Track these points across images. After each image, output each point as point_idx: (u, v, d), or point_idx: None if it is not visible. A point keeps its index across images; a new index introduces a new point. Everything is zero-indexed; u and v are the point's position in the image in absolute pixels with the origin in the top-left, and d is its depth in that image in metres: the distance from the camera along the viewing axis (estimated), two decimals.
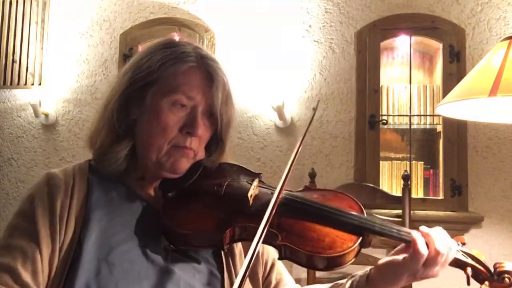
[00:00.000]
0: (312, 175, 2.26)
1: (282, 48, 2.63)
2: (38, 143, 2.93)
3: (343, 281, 0.89)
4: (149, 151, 0.86)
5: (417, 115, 2.56)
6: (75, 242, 0.79)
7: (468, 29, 2.48)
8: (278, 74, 2.60)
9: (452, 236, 0.84)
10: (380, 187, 2.41)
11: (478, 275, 0.82)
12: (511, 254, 2.26)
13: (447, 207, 2.36)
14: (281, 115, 2.56)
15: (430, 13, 2.52)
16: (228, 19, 2.72)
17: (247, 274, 0.61)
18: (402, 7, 2.56)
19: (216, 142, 0.94)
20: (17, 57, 2.96)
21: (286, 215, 0.82)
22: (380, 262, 0.83)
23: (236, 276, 0.86)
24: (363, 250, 0.85)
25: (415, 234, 0.79)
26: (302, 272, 2.13)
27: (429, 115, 2.54)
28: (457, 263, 0.83)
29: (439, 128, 2.52)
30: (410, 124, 2.54)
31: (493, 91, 1.32)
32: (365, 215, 0.84)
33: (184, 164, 0.87)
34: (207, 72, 0.87)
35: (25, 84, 2.94)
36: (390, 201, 2.17)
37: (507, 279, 0.80)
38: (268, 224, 0.69)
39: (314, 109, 1.02)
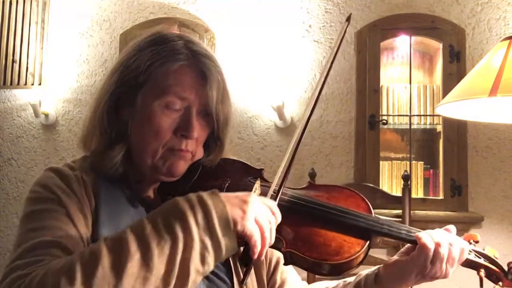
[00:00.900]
0: (312, 175, 2.26)
1: (282, 48, 2.63)
2: (38, 143, 2.93)
3: (351, 279, 0.88)
4: (144, 156, 0.82)
5: (417, 115, 2.56)
6: (90, 232, 0.76)
7: (468, 29, 2.48)
8: (278, 74, 2.60)
9: (460, 236, 0.83)
10: (380, 187, 2.41)
11: (491, 275, 0.80)
12: (511, 254, 2.26)
13: (447, 207, 2.36)
14: (281, 115, 2.56)
15: (430, 13, 2.52)
16: (228, 19, 2.71)
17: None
18: (402, 7, 2.56)
19: (214, 141, 0.90)
20: (17, 57, 2.96)
21: (290, 218, 0.78)
22: (388, 261, 0.82)
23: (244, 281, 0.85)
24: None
25: (419, 232, 0.78)
26: (302, 271, 2.13)
27: (429, 115, 2.54)
28: (469, 264, 0.81)
29: (439, 128, 2.52)
30: (410, 124, 2.54)
31: (493, 91, 1.32)
32: (373, 213, 0.82)
33: (182, 167, 0.83)
34: (200, 70, 0.82)
35: (25, 84, 2.94)
36: (390, 201, 2.17)
37: None
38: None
39: (348, 21, 0.94)
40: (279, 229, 0.75)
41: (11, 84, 2.96)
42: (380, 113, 2.52)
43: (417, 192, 2.50)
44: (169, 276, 0.60)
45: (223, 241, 0.63)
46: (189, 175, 0.86)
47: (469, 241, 0.82)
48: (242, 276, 0.78)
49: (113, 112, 0.83)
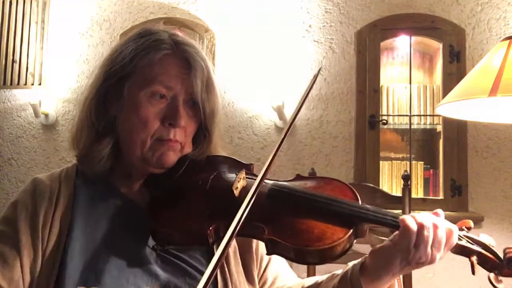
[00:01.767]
0: (312, 175, 2.25)
1: (282, 48, 2.63)
2: (38, 143, 2.93)
3: (340, 271, 0.85)
4: (133, 147, 0.82)
5: (417, 115, 2.56)
6: (60, 251, 0.77)
7: (468, 29, 2.48)
8: (278, 74, 2.60)
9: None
10: (380, 187, 2.41)
11: (486, 263, 0.74)
12: None
13: (447, 207, 2.35)
14: (281, 115, 2.56)
15: (430, 13, 2.52)
16: (228, 19, 2.72)
17: (217, 268, 0.58)
18: (402, 7, 2.56)
19: (203, 134, 0.89)
20: (17, 57, 2.96)
21: (272, 207, 0.77)
22: (373, 248, 0.78)
23: (230, 275, 0.83)
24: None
25: (404, 215, 0.74)
26: (302, 272, 2.13)
27: (429, 115, 2.54)
28: (461, 250, 0.75)
29: (439, 128, 2.52)
30: (410, 124, 2.54)
31: (493, 91, 1.32)
32: (360, 202, 0.78)
33: (171, 157, 0.83)
34: (184, 58, 0.82)
35: (25, 84, 2.94)
36: (390, 201, 2.16)
37: None
38: (246, 213, 0.64)
39: (315, 76, 0.89)
40: (260, 217, 0.74)
41: (11, 84, 2.96)
42: (380, 113, 2.52)
43: (417, 192, 2.50)
44: None
45: None
46: (176, 169, 0.85)
47: (461, 228, 0.78)
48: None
49: (101, 107, 0.84)
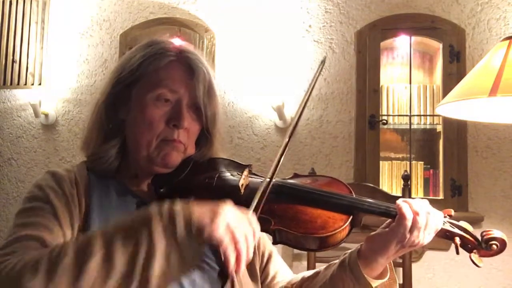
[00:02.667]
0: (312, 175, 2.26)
1: (282, 48, 2.63)
2: (38, 143, 2.93)
3: (336, 261, 0.91)
4: (139, 147, 0.87)
5: (417, 115, 2.56)
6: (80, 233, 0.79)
7: (468, 29, 2.48)
8: (278, 74, 2.60)
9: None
10: (380, 187, 2.41)
11: (466, 245, 0.84)
12: (511, 254, 2.26)
13: (447, 207, 2.33)
14: (281, 115, 2.56)
15: (430, 13, 2.52)
16: (228, 19, 2.72)
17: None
18: (402, 7, 2.56)
19: (205, 137, 0.95)
20: (17, 57, 2.97)
21: (277, 200, 0.84)
22: (369, 235, 0.86)
23: None
24: None
25: (399, 201, 0.82)
26: (302, 272, 2.13)
27: (429, 115, 2.54)
28: (445, 234, 0.85)
29: (439, 128, 2.52)
30: (410, 124, 2.54)
31: (493, 91, 1.32)
32: (354, 195, 0.87)
33: (175, 157, 0.88)
34: (188, 65, 0.89)
35: (25, 84, 2.95)
36: (390, 201, 2.17)
37: (494, 246, 0.82)
38: (263, 199, 0.73)
39: (323, 62, 1.01)
40: (267, 210, 0.80)
41: (11, 84, 2.96)
42: (380, 113, 2.52)
43: (417, 192, 2.50)
44: (132, 274, 0.63)
45: (186, 247, 0.65)
46: (181, 169, 0.91)
47: (444, 215, 0.87)
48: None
49: (110, 110, 0.90)
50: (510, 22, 2.45)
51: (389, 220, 0.85)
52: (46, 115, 2.85)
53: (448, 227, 0.85)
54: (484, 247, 0.83)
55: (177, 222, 0.65)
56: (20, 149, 2.95)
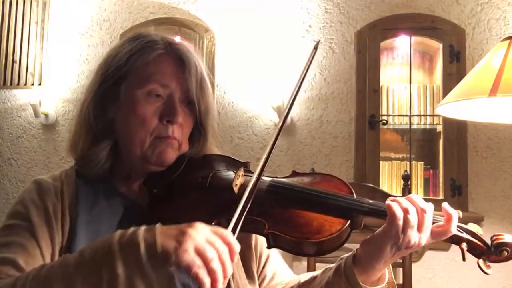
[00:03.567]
0: None
1: (282, 48, 2.63)
2: (38, 143, 2.93)
3: (333, 265, 0.87)
4: (132, 146, 0.83)
5: (417, 115, 2.56)
6: (63, 249, 0.77)
7: (468, 29, 2.48)
8: (278, 74, 2.60)
9: None
10: (380, 187, 2.41)
11: (474, 249, 0.77)
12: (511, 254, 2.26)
13: None
14: (281, 115, 2.56)
15: (430, 13, 2.52)
16: (228, 19, 2.72)
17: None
18: (402, 7, 2.56)
19: (198, 132, 0.91)
20: (17, 57, 2.97)
21: (271, 202, 0.79)
22: (364, 239, 0.80)
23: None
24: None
25: (388, 200, 0.76)
26: (302, 272, 2.13)
27: (429, 115, 2.54)
28: (451, 238, 0.78)
29: (439, 128, 2.52)
30: (410, 124, 2.54)
31: (493, 91, 1.32)
32: (355, 196, 0.81)
33: (170, 155, 0.85)
34: (178, 57, 0.85)
35: (25, 84, 2.95)
36: None
37: (505, 252, 0.75)
38: (247, 208, 0.66)
39: (315, 49, 0.92)
40: (261, 212, 0.76)
41: (11, 84, 2.97)
42: (380, 113, 2.52)
43: (417, 192, 2.50)
44: None
45: (152, 275, 0.61)
46: (175, 167, 0.87)
47: None
48: None
49: (98, 110, 0.85)
50: (510, 22, 2.45)
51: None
52: (46, 115, 2.86)
53: (456, 232, 0.77)
54: (493, 252, 0.76)
55: (141, 250, 0.61)
56: (20, 149, 2.95)
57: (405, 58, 2.68)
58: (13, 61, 2.97)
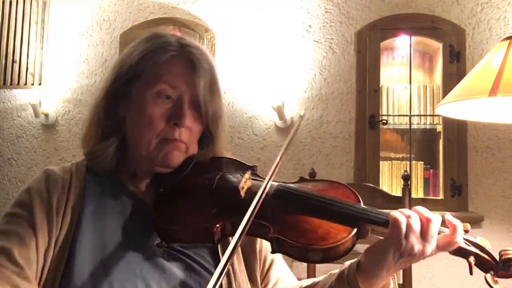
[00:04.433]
0: (312, 175, 2.25)
1: (282, 48, 2.63)
2: (38, 143, 2.93)
3: (336, 270, 0.86)
4: (139, 146, 0.84)
5: (417, 115, 2.56)
6: (69, 240, 0.78)
7: (468, 29, 2.48)
8: (278, 74, 2.60)
9: None
10: (380, 187, 2.41)
11: (482, 264, 0.76)
12: None
13: (447, 207, 2.36)
14: (281, 115, 2.56)
15: (430, 13, 2.52)
16: (228, 19, 2.72)
17: (227, 265, 0.59)
18: (402, 7, 2.56)
19: (207, 136, 0.91)
20: (17, 57, 2.97)
21: (278, 207, 0.79)
22: (369, 246, 0.79)
23: (233, 273, 0.84)
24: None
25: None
26: (302, 272, 2.13)
27: (429, 115, 2.54)
28: (459, 251, 0.77)
29: (439, 128, 2.52)
30: (410, 124, 2.54)
31: (493, 91, 1.32)
32: (362, 204, 0.80)
33: (176, 157, 0.85)
34: (190, 60, 0.85)
35: (25, 84, 2.95)
36: (390, 201, 2.16)
37: None
38: (254, 214, 0.66)
39: (301, 117, 0.95)
40: (266, 217, 0.76)
41: (11, 84, 2.97)
42: (380, 113, 2.52)
43: (417, 192, 2.50)
44: None
45: None
46: (182, 169, 0.87)
47: None
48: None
49: (110, 107, 0.86)
50: (510, 22, 2.45)
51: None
52: (46, 115, 2.86)
53: (462, 244, 0.76)
54: (501, 267, 0.75)
55: None
56: (20, 149, 2.95)
57: (405, 58, 2.68)
58: (13, 61, 2.97)
